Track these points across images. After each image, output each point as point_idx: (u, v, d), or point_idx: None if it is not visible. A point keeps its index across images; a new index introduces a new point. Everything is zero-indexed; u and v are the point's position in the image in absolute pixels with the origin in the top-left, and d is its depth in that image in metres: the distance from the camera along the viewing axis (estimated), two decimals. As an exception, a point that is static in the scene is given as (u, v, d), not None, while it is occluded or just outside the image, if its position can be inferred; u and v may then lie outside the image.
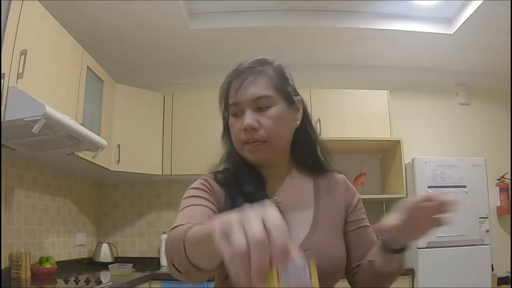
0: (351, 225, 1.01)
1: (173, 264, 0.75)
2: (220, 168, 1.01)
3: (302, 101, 1.02)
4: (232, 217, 0.50)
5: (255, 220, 0.48)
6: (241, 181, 0.95)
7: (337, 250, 0.95)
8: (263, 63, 0.98)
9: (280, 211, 0.90)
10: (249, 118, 0.91)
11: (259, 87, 0.93)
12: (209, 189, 0.95)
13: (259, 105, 0.92)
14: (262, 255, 0.46)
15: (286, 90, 0.97)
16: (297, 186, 1.02)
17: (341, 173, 1.08)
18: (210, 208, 0.90)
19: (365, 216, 1.04)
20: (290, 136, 0.99)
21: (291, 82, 1.01)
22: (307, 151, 1.04)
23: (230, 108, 0.96)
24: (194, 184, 0.97)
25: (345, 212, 1.02)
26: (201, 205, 0.90)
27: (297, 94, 1.01)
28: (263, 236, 0.47)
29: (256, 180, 0.96)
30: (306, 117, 1.03)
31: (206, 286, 0.99)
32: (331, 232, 0.97)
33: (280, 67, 1.00)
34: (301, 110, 1.01)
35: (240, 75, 0.96)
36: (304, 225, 0.95)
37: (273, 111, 0.93)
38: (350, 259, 0.98)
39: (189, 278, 0.75)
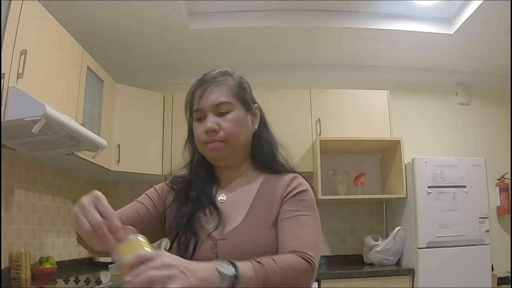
0: (280, 215, 1.00)
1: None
2: (183, 172, 1.14)
3: (259, 109, 1.14)
4: (79, 205, 0.82)
5: (91, 208, 0.82)
6: (191, 185, 1.09)
7: (261, 242, 0.98)
8: (224, 74, 1.11)
9: (218, 207, 1.04)
10: (211, 121, 1.03)
11: (220, 94, 1.05)
12: (157, 192, 1.11)
13: (220, 110, 1.04)
14: (103, 232, 0.79)
15: (244, 98, 1.10)
16: (246, 183, 1.10)
17: (296, 173, 1.11)
18: (144, 204, 1.08)
19: (298, 208, 1.00)
20: (248, 138, 1.10)
21: (249, 92, 1.14)
22: (264, 154, 1.12)
23: (194, 114, 1.08)
24: (155, 186, 1.14)
25: (280, 203, 1.03)
26: (137, 201, 1.09)
27: (254, 102, 1.13)
28: (98, 219, 0.81)
29: (205, 183, 1.09)
30: (263, 124, 1.15)
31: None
32: (260, 226, 1.00)
33: (240, 78, 1.13)
34: (258, 117, 1.13)
35: (203, 84, 1.08)
36: (237, 218, 1.02)
37: (232, 115, 1.05)
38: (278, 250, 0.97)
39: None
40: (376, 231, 3.51)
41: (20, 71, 1.88)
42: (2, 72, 1.77)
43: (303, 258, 0.90)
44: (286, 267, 0.86)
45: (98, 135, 2.59)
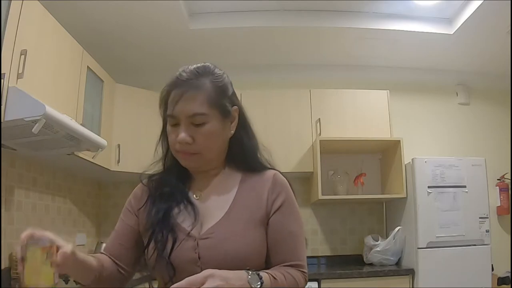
0: (270, 228, 1.02)
1: None
2: (157, 169, 1.12)
3: (237, 110, 1.07)
4: None
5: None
6: (165, 182, 1.07)
7: (242, 240, 0.97)
8: (202, 73, 1.03)
9: (193, 202, 1.03)
10: (183, 133, 0.98)
11: (194, 105, 0.98)
12: (128, 209, 1.10)
13: (194, 122, 0.99)
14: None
15: (221, 105, 1.02)
16: (223, 181, 1.08)
17: (276, 170, 1.11)
18: (121, 232, 1.08)
19: (289, 218, 1.03)
20: (224, 145, 1.06)
21: (230, 93, 1.06)
22: (241, 155, 1.09)
23: (168, 118, 1.02)
24: (127, 201, 1.13)
25: (266, 208, 1.02)
26: (115, 231, 1.10)
27: (233, 104, 1.06)
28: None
29: (179, 179, 1.07)
30: (241, 124, 1.08)
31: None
32: (242, 225, 0.99)
33: (219, 78, 1.05)
34: (236, 120, 1.07)
35: (179, 86, 1.01)
36: (216, 215, 1.01)
37: (207, 127, 0.99)
38: (270, 260, 1.01)
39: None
40: (376, 231, 3.51)
41: (20, 71, 1.88)
42: (2, 72, 1.77)
43: (302, 272, 1.00)
44: (292, 284, 0.96)
45: (98, 135, 2.58)
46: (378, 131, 3.37)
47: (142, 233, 1.06)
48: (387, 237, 3.28)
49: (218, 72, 1.06)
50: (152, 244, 0.99)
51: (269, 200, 1.03)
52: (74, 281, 0.98)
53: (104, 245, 3.28)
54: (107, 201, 3.64)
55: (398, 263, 3.21)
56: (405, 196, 3.18)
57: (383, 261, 3.16)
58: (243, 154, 1.09)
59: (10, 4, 1.85)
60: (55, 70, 2.25)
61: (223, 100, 1.03)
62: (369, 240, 3.28)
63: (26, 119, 1.81)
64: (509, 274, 3.05)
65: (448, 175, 3.07)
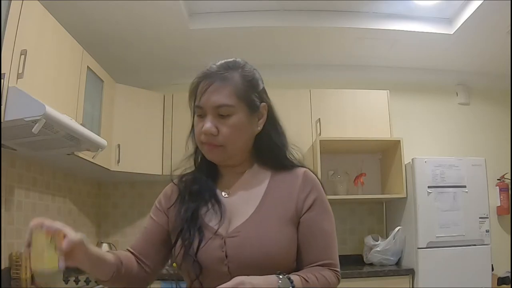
0: (302, 226, 1.00)
1: None
2: (188, 166, 1.12)
3: (266, 107, 1.06)
4: None
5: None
6: (194, 181, 1.07)
7: (272, 239, 0.95)
8: (232, 67, 1.02)
9: (220, 201, 1.02)
10: (209, 123, 0.97)
11: (222, 95, 0.98)
12: (157, 207, 1.10)
13: (220, 113, 0.98)
14: None
15: (249, 98, 1.01)
16: (252, 179, 1.06)
17: (306, 168, 1.09)
18: (151, 229, 1.08)
19: (321, 216, 1.02)
20: (249, 141, 1.04)
21: (259, 88, 1.05)
22: (269, 152, 1.08)
23: (195, 108, 1.02)
24: (157, 199, 1.13)
25: (296, 207, 1.01)
26: (145, 227, 1.10)
27: (262, 101, 1.05)
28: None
29: (208, 177, 1.07)
30: (270, 121, 1.07)
31: (176, 286, 1.06)
32: (271, 222, 0.97)
33: (249, 72, 1.04)
34: (264, 116, 1.05)
35: (207, 78, 1.00)
36: (245, 213, 0.99)
37: (233, 120, 0.98)
38: (301, 260, 0.99)
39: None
40: (376, 231, 3.51)
41: (20, 71, 1.88)
42: (2, 72, 1.77)
43: (335, 272, 0.99)
44: (324, 285, 0.94)
45: (98, 135, 2.59)
46: (378, 131, 3.37)
47: (171, 232, 1.06)
48: (387, 237, 3.28)
49: (248, 67, 1.05)
50: (179, 243, 0.99)
51: (300, 198, 1.01)
52: (95, 281, 1.01)
53: (104, 245, 3.31)
54: (107, 201, 3.64)
55: (398, 263, 3.21)
56: (405, 196, 3.18)
57: (383, 261, 3.16)
58: (271, 152, 1.07)
59: (10, 4, 1.85)
60: (55, 70, 2.25)
61: (251, 94, 1.02)
62: (369, 240, 3.28)
63: (26, 119, 1.81)
64: (509, 274, 3.05)
65: (448, 175, 3.07)
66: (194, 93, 1.03)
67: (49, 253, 0.81)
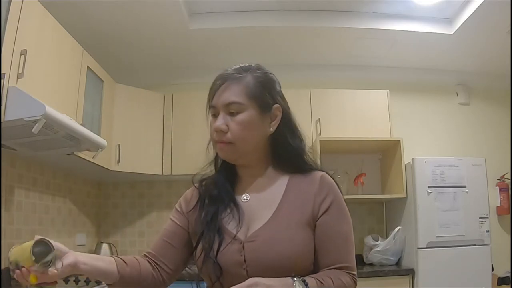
0: (318, 229, 1.01)
1: None
2: (209, 171, 1.14)
3: (280, 109, 1.07)
4: None
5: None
6: (214, 184, 1.09)
7: (289, 243, 0.96)
8: (246, 69, 1.06)
9: (239, 205, 1.03)
10: (220, 121, 1.01)
11: (231, 93, 1.01)
12: (178, 210, 1.12)
13: (230, 110, 1.01)
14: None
15: (261, 98, 1.03)
16: (270, 183, 1.07)
17: (323, 171, 1.09)
18: (171, 230, 1.09)
19: (339, 220, 1.03)
20: (261, 140, 1.05)
21: (273, 90, 1.07)
22: (285, 155, 1.08)
23: (210, 109, 1.06)
24: (177, 203, 1.15)
25: (313, 210, 1.01)
26: (165, 228, 1.11)
27: (275, 102, 1.06)
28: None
29: (227, 181, 1.08)
30: (286, 124, 1.08)
31: (196, 286, 1.07)
32: (290, 226, 0.98)
33: (262, 74, 1.07)
34: (278, 118, 1.06)
35: (220, 79, 1.04)
36: (263, 217, 1.01)
37: (241, 117, 1.00)
38: (318, 263, 1.00)
39: None
40: (376, 231, 3.51)
41: (20, 71, 1.88)
42: (2, 72, 1.77)
43: (351, 275, 0.99)
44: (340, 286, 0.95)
45: (98, 135, 2.59)
46: (378, 131, 3.37)
47: (191, 235, 1.07)
48: (387, 237, 3.28)
49: (262, 69, 1.09)
50: (200, 246, 1.01)
51: (317, 202, 1.02)
52: (95, 281, 1.04)
53: (104, 245, 3.31)
54: (107, 201, 3.64)
55: (398, 263, 3.21)
56: (405, 196, 3.18)
57: (383, 261, 3.16)
58: (288, 155, 1.08)
59: (10, 4, 1.85)
60: (55, 70, 2.25)
61: (263, 94, 1.04)
62: (369, 240, 3.28)
63: (26, 119, 1.81)
64: (509, 274, 3.05)
65: (448, 175, 3.07)
66: (210, 96, 1.06)
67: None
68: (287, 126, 1.09)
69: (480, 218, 3.04)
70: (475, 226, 3.03)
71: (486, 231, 3.03)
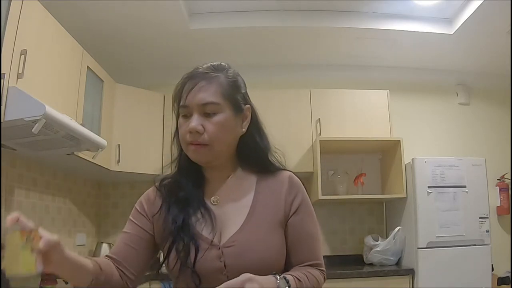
0: (290, 229, 1.03)
1: None
2: (169, 172, 1.10)
3: (250, 109, 1.07)
4: None
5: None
6: (179, 186, 1.05)
7: (266, 245, 0.97)
8: (217, 69, 1.04)
9: (209, 208, 1.01)
10: (195, 121, 0.97)
11: (208, 94, 0.98)
12: (139, 211, 1.07)
13: (206, 111, 0.98)
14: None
15: (234, 99, 1.02)
16: (239, 184, 1.06)
17: (290, 171, 1.11)
18: (131, 233, 1.04)
19: (307, 219, 1.05)
20: (234, 141, 1.05)
21: (243, 91, 1.07)
22: (254, 155, 1.08)
23: (180, 109, 1.01)
24: (137, 202, 1.10)
25: (284, 210, 1.03)
26: (124, 231, 1.05)
27: (246, 103, 1.06)
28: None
29: (194, 183, 1.05)
30: (254, 124, 1.08)
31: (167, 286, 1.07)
32: (264, 228, 1.00)
33: (234, 75, 1.06)
34: (248, 118, 1.06)
35: (193, 79, 1.01)
36: (237, 221, 1.00)
37: (218, 117, 0.98)
38: (290, 260, 1.03)
39: None
40: (376, 231, 3.51)
41: (20, 71, 1.88)
42: (2, 72, 1.77)
43: (322, 271, 1.04)
44: (314, 283, 0.99)
45: (98, 135, 2.58)
46: (378, 131, 3.37)
47: (158, 241, 1.04)
48: (387, 237, 3.28)
49: (232, 70, 1.07)
50: (173, 254, 0.97)
51: (287, 202, 1.04)
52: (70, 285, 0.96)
53: (104, 245, 3.30)
54: (107, 201, 3.64)
55: (398, 263, 3.21)
56: (405, 196, 3.18)
57: (383, 261, 3.16)
58: (256, 155, 1.08)
59: (10, 4, 1.85)
60: (55, 70, 2.25)
61: (236, 95, 1.03)
62: (369, 240, 3.28)
63: (26, 119, 1.81)
64: (509, 274, 3.05)
65: (448, 175, 3.07)
66: (178, 95, 1.03)
67: (24, 255, 0.75)
68: (255, 126, 1.08)
69: (480, 218, 3.04)
70: (475, 226, 3.03)
71: (486, 231, 3.03)
